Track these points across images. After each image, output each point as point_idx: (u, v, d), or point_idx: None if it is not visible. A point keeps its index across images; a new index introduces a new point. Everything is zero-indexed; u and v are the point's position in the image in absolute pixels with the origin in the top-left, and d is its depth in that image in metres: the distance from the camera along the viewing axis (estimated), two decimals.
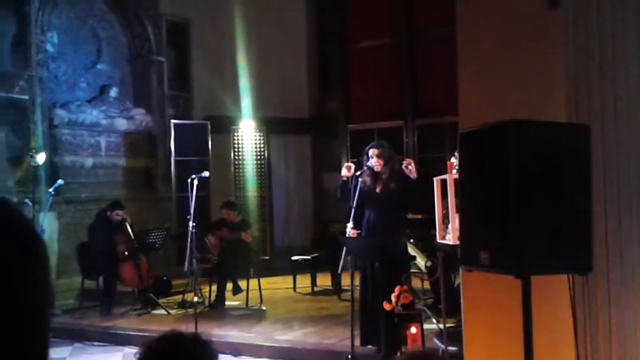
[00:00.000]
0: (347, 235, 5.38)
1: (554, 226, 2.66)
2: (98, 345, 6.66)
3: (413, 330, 4.53)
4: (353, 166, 5.52)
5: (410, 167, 5.31)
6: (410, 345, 4.55)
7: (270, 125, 11.05)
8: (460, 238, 3.02)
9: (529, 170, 2.62)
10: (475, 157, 2.88)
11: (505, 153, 2.64)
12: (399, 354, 4.82)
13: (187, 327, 5.66)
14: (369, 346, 5.41)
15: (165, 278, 8.77)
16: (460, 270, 4.08)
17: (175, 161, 9.99)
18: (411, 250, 5.59)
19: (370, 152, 5.48)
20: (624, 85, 3.34)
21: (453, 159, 4.28)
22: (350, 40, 11.77)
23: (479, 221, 2.82)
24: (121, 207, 8.07)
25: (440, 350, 4.89)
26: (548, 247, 2.65)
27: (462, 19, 4.04)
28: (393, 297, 4.66)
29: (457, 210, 3.53)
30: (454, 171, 4.20)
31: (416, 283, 5.99)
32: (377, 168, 5.45)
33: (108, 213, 8.00)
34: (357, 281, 5.70)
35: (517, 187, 2.60)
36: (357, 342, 5.38)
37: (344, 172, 5.51)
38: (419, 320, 4.77)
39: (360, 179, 5.48)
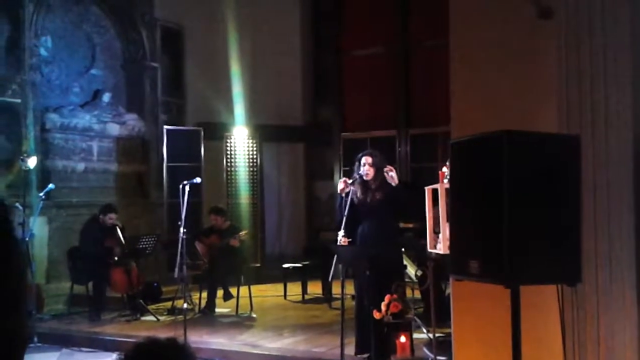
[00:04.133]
0: (338, 244, 5.37)
1: (543, 236, 2.66)
2: (86, 351, 6.62)
3: (402, 339, 4.53)
4: (349, 180, 5.50)
5: (391, 174, 5.30)
6: (399, 354, 4.54)
7: (263, 133, 11.05)
8: (451, 247, 3.03)
9: (520, 180, 2.63)
10: (467, 166, 2.89)
11: (496, 163, 2.65)
12: None
13: (177, 334, 5.63)
14: (360, 355, 5.40)
15: (156, 284, 8.73)
16: (451, 279, 4.08)
17: (168, 167, 9.97)
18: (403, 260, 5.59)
19: (363, 159, 5.47)
20: (615, 95, 3.35)
21: (444, 169, 4.29)
22: (345, 49, 11.81)
23: (469, 230, 2.82)
24: (115, 211, 8.05)
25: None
26: (538, 257, 2.66)
27: (455, 29, 4.07)
28: (383, 306, 4.65)
29: (448, 220, 3.53)
30: (446, 180, 4.21)
31: (407, 292, 5.99)
32: (367, 176, 5.43)
33: (101, 217, 7.96)
34: (348, 289, 5.69)
35: (508, 197, 2.60)
36: (350, 350, 5.38)
37: (340, 186, 5.49)
38: (408, 329, 4.76)
39: (352, 188, 5.47)
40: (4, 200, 0.92)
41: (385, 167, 5.42)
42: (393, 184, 5.31)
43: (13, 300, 0.90)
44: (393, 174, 5.31)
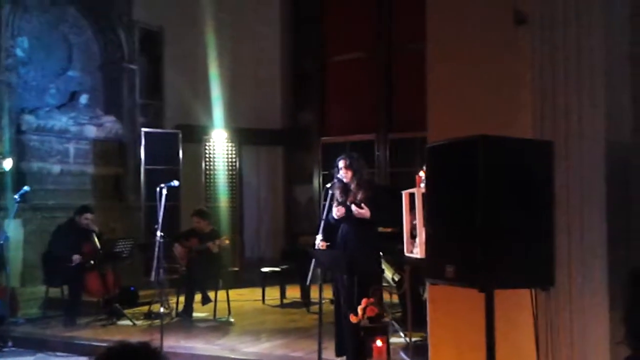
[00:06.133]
0: (316, 247, 5.37)
1: (518, 241, 2.69)
2: (61, 356, 6.54)
3: (379, 343, 4.53)
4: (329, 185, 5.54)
5: (361, 211, 5.32)
6: (375, 358, 4.55)
7: (242, 136, 11.02)
8: (426, 251, 3.04)
9: (495, 185, 2.66)
10: (443, 170, 2.90)
11: (472, 167, 2.67)
12: None
13: (153, 338, 5.58)
14: (338, 358, 5.41)
15: (132, 288, 8.65)
16: (427, 284, 4.10)
17: (145, 170, 9.90)
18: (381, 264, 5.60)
19: (340, 163, 5.50)
20: (588, 103, 3.40)
21: (421, 173, 4.31)
22: (326, 53, 11.83)
23: (444, 235, 2.84)
24: (90, 211, 7.95)
25: None
26: (512, 262, 2.69)
27: (432, 35, 4.09)
28: (359, 310, 4.66)
29: (424, 224, 3.55)
30: (422, 185, 4.23)
31: (384, 297, 6.00)
32: (346, 179, 5.48)
33: (76, 217, 7.87)
34: (326, 294, 5.68)
35: (483, 201, 2.63)
36: (328, 354, 5.38)
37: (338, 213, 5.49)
38: (385, 333, 4.77)
39: (330, 192, 5.50)
40: None
41: (372, 172, 5.45)
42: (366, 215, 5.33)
43: None
44: (362, 211, 5.33)
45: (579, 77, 3.41)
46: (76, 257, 7.62)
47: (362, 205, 5.32)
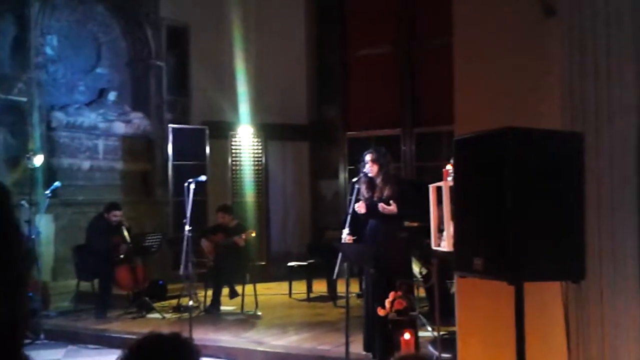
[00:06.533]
0: (343, 241, 5.39)
1: (547, 233, 2.66)
2: (92, 348, 6.66)
3: (407, 336, 4.53)
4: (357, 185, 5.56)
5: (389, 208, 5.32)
6: (403, 352, 4.55)
7: (268, 131, 11.07)
8: (454, 244, 3.03)
9: (524, 177, 2.63)
10: (471, 163, 2.89)
11: (500, 160, 2.65)
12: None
13: (182, 331, 5.64)
14: (365, 352, 5.42)
15: (161, 282, 8.76)
16: (455, 277, 4.09)
17: (173, 165, 9.99)
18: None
19: (367, 157, 5.52)
20: (619, 91, 3.35)
21: (448, 166, 4.29)
22: (350, 48, 11.80)
23: (473, 227, 2.82)
24: (118, 208, 8.08)
25: (434, 357, 4.88)
26: (542, 254, 2.66)
27: (459, 27, 4.07)
28: (387, 303, 4.66)
29: (452, 217, 3.54)
30: (449, 178, 4.22)
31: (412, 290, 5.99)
32: (372, 173, 5.48)
33: (105, 214, 8.00)
34: (352, 288, 5.70)
35: (512, 193, 2.61)
36: (355, 348, 5.39)
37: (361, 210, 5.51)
38: (413, 326, 4.77)
39: (356, 186, 5.50)
40: (4, 187, 0.95)
41: (398, 167, 5.47)
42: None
43: (15, 283, 0.93)
44: (390, 208, 5.34)
45: (608, 68, 3.37)
46: (121, 247, 7.77)
47: (390, 202, 5.33)
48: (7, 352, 0.91)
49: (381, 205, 5.35)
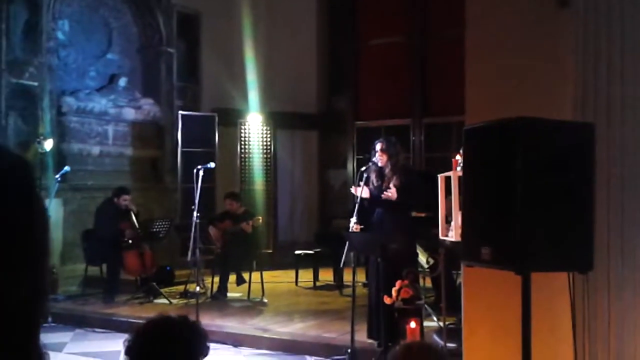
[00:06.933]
0: (350, 230, 5.39)
1: (556, 224, 2.66)
2: (100, 332, 6.72)
3: (412, 325, 4.55)
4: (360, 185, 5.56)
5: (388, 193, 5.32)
6: (409, 340, 4.56)
7: (277, 120, 11.07)
8: (462, 233, 3.03)
9: (534, 168, 2.62)
10: (480, 152, 2.88)
11: (510, 150, 2.64)
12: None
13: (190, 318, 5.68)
14: (369, 340, 5.45)
15: (169, 268, 8.81)
16: (462, 266, 4.09)
17: (182, 152, 10.02)
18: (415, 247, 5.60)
19: (377, 146, 5.52)
20: (631, 85, 3.33)
21: (458, 157, 4.29)
22: (361, 37, 11.77)
23: (481, 216, 2.82)
24: (128, 192, 8.12)
25: (440, 347, 4.89)
26: (549, 245, 2.65)
27: (471, 17, 4.05)
28: (393, 291, 4.67)
29: (461, 207, 3.53)
30: (458, 169, 4.21)
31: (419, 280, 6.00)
32: (381, 163, 5.49)
33: (115, 199, 8.04)
34: (359, 277, 5.72)
35: (521, 183, 2.60)
36: (361, 336, 5.42)
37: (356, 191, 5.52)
38: (419, 315, 4.78)
39: (365, 174, 5.51)
40: (26, 159, 0.96)
41: (408, 157, 5.48)
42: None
43: (37, 252, 0.94)
44: (388, 194, 5.34)
45: (622, 59, 3.35)
46: (129, 232, 7.81)
47: (391, 186, 5.33)
48: (25, 333, 0.92)
49: (384, 193, 5.37)
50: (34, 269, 0.92)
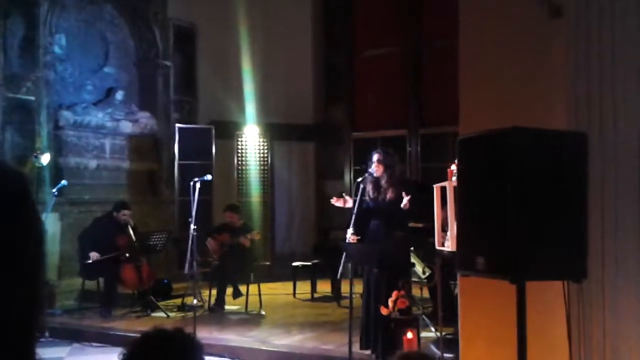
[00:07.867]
0: (347, 241, 5.40)
1: (550, 232, 2.67)
2: (97, 346, 6.69)
3: (409, 335, 4.54)
4: (348, 198, 5.59)
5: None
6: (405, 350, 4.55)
7: (274, 131, 11.09)
8: (457, 242, 3.04)
9: (528, 177, 2.64)
10: (475, 162, 2.90)
11: (504, 159, 2.66)
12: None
13: (186, 330, 5.66)
14: (366, 351, 5.43)
15: (166, 281, 8.79)
16: (458, 277, 4.09)
17: (179, 165, 10.03)
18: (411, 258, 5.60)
19: (374, 157, 5.54)
20: (623, 94, 3.36)
21: (453, 167, 4.30)
22: (357, 48, 11.82)
23: (476, 226, 2.84)
24: (128, 207, 8.10)
25: (437, 357, 4.89)
26: (544, 253, 2.66)
27: (465, 27, 4.08)
28: (390, 302, 4.67)
29: (456, 216, 3.54)
30: (454, 179, 4.22)
31: (415, 291, 6.00)
32: (377, 174, 5.50)
33: (115, 213, 8.02)
34: (356, 288, 5.71)
35: (516, 193, 2.61)
36: (358, 347, 5.41)
37: (338, 203, 5.56)
38: (415, 325, 4.78)
39: (361, 185, 5.52)
40: (22, 173, 0.97)
41: (404, 168, 5.49)
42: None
43: (32, 266, 0.94)
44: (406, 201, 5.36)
45: (614, 68, 3.37)
46: (94, 255, 7.70)
47: (403, 195, 5.33)
48: (20, 349, 0.92)
49: (404, 205, 5.33)
50: (29, 284, 0.92)
